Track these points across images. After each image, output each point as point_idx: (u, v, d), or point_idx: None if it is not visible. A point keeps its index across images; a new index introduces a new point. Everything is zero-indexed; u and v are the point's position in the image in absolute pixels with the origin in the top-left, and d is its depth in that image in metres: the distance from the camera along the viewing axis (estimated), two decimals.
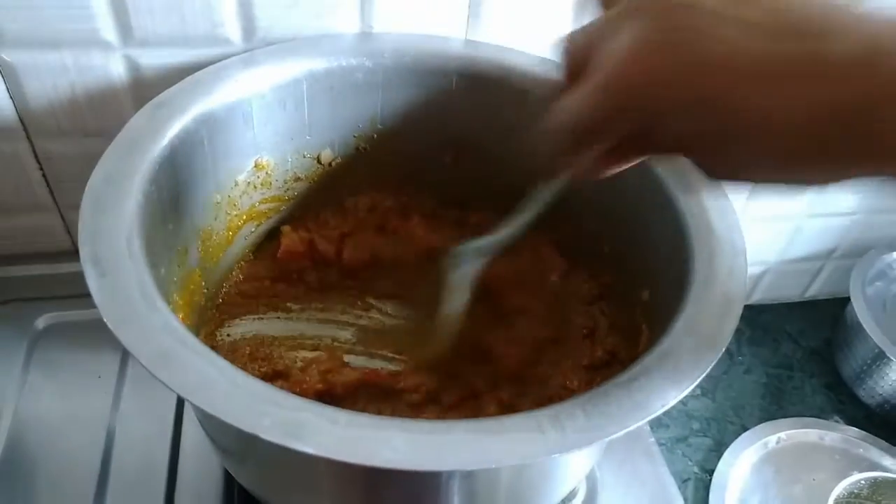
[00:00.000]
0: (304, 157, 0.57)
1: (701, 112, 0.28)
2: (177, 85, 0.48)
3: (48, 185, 0.61)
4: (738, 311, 0.37)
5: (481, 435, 0.29)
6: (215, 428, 0.42)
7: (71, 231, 0.65)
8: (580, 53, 0.32)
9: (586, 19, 0.32)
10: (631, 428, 0.30)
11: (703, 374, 0.33)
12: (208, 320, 0.52)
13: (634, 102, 0.29)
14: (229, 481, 0.52)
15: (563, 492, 0.47)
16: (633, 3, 0.29)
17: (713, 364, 0.34)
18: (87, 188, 0.39)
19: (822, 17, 0.27)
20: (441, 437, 0.29)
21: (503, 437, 0.29)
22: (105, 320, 0.32)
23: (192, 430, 0.54)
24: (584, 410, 0.31)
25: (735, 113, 0.27)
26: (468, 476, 0.35)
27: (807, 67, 0.26)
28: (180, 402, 0.56)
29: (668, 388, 0.33)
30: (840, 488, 0.64)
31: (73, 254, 0.65)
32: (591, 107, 0.30)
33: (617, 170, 0.35)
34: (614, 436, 0.30)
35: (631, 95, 0.29)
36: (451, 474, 0.34)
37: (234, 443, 0.41)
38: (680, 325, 0.36)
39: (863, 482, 0.66)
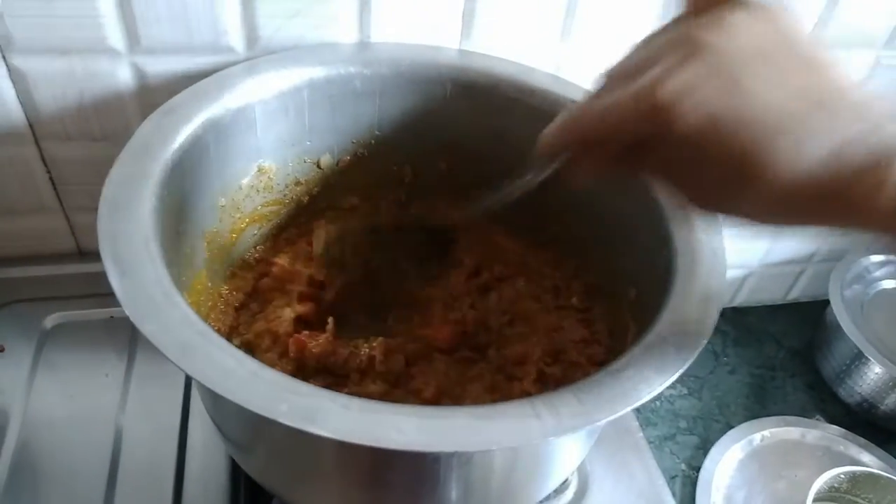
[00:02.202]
0: (305, 161, 0.59)
1: (722, 151, 0.31)
2: (183, 92, 0.49)
3: (54, 188, 0.62)
4: (718, 306, 0.39)
5: (483, 419, 0.31)
6: (229, 418, 0.43)
7: (76, 233, 0.66)
8: (624, 71, 0.34)
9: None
10: (621, 413, 0.32)
11: (686, 365, 0.35)
12: (214, 318, 0.54)
13: (666, 115, 0.31)
14: (235, 475, 0.53)
15: (555, 481, 0.49)
16: (686, 37, 0.32)
17: (695, 355, 0.36)
18: (103, 192, 0.40)
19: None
20: (446, 420, 0.31)
21: (503, 421, 0.32)
22: (129, 315, 0.33)
23: (198, 426, 0.55)
24: (577, 397, 0.33)
25: (753, 162, 0.31)
26: (467, 461, 0.37)
27: (829, 139, 0.30)
28: (186, 399, 0.57)
29: (653, 377, 0.35)
30: (820, 482, 0.66)
31: (77, 255, 0.67)
32: (628, 107, 0.32)
33: (602, 175, 0.37)
34: (606, 420, 0.32)
35: (669, 107, 0.31)
36: (451, 460, 0.36)
37: (245, 432, 0.43)
38: (664, 321, 0.39)
39: (842, 476, 0.68)
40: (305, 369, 0.51)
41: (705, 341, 0.37)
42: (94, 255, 0.37)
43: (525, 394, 0.33)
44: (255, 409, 0.30)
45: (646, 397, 0.33)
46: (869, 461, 0.77)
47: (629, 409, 0.33)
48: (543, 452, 0.42)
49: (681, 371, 0.35)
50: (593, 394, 0.33)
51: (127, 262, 0.36)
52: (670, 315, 0.39)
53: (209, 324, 0.35)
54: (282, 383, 0.32)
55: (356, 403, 0.31)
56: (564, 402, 0.33)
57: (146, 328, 0.33)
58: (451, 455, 0.36)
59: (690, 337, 0.37)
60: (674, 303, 0.40)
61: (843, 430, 0.79)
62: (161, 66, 0.56)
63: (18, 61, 0.54)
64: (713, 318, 0.39)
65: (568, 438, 0.42)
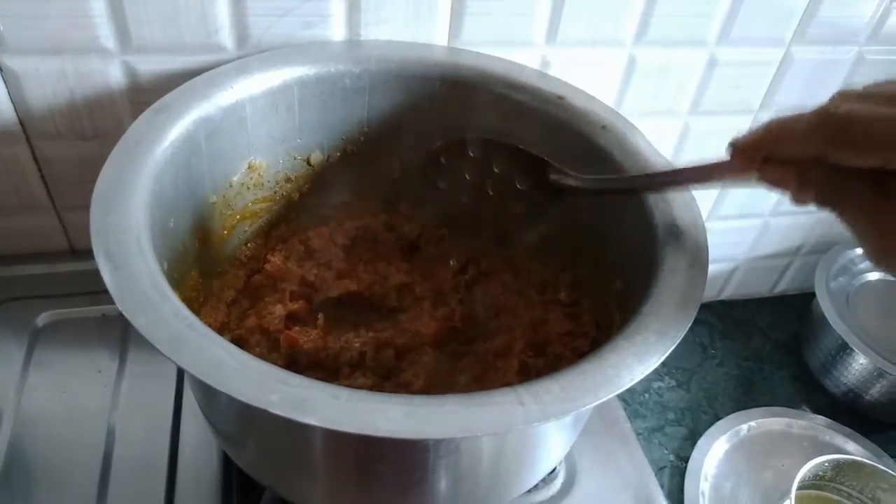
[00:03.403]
0: (295, 158, 0.59)
1: None
2: (175, 90, 0.50)
3: (46, 186, 0.62)
4: (700, 297, 0.40)
5: (469, 407, 0.32)
6: (220, 411, 0.44)
7: (67, 231, 0.66)
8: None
9: None
10: (602, 399, 0.33)
11: (667, 353, 0.36)
12: (206, 314, 0.54)
13: (839, 125, 0.33)
14: (227, 469, 0.54)
15: (542, 470, 0.50)
16: None
17: (675, 343, 0.37)
18: (96, 188, 0.41)
19: None
20: (433, 409, 0.32)
21: (488, 408, 0.32)
22: (121, 309, 0.34)
23: (190, 422, 0.56)
24: (560, 385, 0.34)
25: None
26: (455, 450, 0.38)
27: None
28: (178, 396, 0.57)
29: (635, 365, 0.36)
30: (805, 470, 0.67)
31: (69, 254, 0.67)
32: (810, 118, 0.34)
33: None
34: (588, 406, 0.33)
35: (848, 121, 0.33)
36: (439, 448, 0.37)
37: (237, 424, 0.44)
38: (647, 310, 0.39)
39: (826, 464, 0.69)
40: (297, 364, 0.51)
41: (685, 330, 0.38)
42: (86, 254, 0.37)
43: (507, 385, 0.34)
44: (245, 399, 0.31)
45: (627, 384, 0.34)
46: (854, 450, 0.78)
47: (610, 395, 0.34)
48: (529, 440, 0.43)
49: (661, 359, 0.36)
50: (576, 381, 0.34)
51: (119, 257, 0.37)
52: (653, 305, 0.40)
53: (200, 319, 0.36)
54: (272, 374, 0.32)
55: (345, 393, 0.32)
56: (547, 390, 0.33)
57: (138, 321, 0.33)
58: (438, 442, 0.36)
59: (672, 326, 0.38)
60: (657, 293, 0.41)
61: (828, 420, 0.80)
62: (152, 65, 0.57)
63: (10, 61, 0.54)
64: (694, 307, 0.40)
65: (553, 426, 0.43)
